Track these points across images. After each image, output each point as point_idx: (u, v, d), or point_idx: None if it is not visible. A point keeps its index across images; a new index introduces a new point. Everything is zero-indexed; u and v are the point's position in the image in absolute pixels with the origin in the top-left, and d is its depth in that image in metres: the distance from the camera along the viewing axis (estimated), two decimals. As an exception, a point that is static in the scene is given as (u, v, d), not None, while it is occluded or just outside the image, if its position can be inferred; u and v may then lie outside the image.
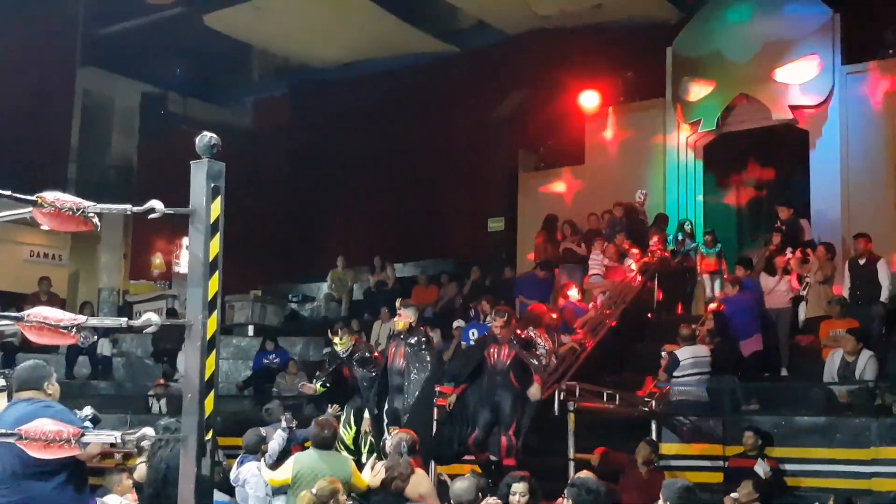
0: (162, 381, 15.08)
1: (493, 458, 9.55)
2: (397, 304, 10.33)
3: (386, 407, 9.75)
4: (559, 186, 18.39)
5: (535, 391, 9.37)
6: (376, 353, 10.62)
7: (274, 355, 16.09)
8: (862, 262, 12.45)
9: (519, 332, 10.11)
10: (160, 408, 13.79)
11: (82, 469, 4.97)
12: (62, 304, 17.07)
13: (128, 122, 21.17)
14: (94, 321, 4.41)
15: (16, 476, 4.77)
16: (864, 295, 12.26)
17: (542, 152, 19.15)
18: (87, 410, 5.24)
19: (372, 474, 8.07)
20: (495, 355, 9.66)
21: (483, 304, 14.47)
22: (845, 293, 12.40)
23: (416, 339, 9.74)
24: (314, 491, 6.76)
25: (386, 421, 9.53)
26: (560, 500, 6.51)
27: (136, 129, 21.11)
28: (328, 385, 10.60)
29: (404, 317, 9.83)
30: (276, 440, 8.86)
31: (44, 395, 5.02)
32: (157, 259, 20.15)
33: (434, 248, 20.23)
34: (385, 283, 18.40)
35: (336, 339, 10.25)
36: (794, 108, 15.76)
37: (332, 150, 21.23)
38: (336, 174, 21.29)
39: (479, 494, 6.74)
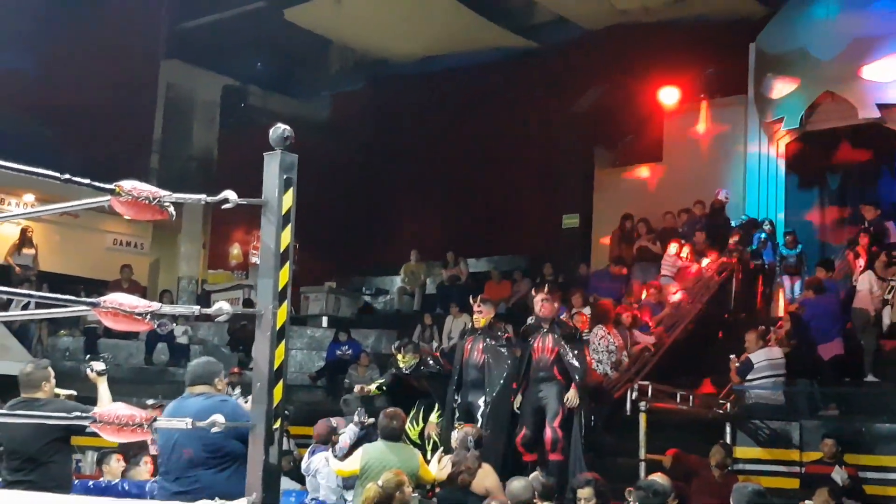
0: (236, 370, 15.27)
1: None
2: (473, 301, 10.19)
3: (458, 401, 9.69)
4: (636, 184, 18.18)
5: (572, 396, 9.11)
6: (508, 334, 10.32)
7: (347, 346, 16.19)
8: None
9: (566, 319, 9.88)
10: (237, 395, 13.95)
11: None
12: (143, 292, 17.43)
13: (209, 114, 21.48)
14: (167, 308, 4.46)
15: (192, 465, 5.08)
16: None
17: (619, 149, 18.99)
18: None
19: (439, 468, 8.06)
20: (540, 350, 9.44)
21: (576, 297, 14.16)
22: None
23: (495, 334, 9.69)
24: (380, 483, 6.77)
25: (457, 415, 9.46)
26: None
27: (217, 122, 21.41)
28: (384, 388, 10.44)
29: (485, 313, 9.76)
30: (348, 434, 8.87)
31: (214, 390, 5.34)
32: (235, 249, 20.46)
33: (507, 244, 20.17)
34: (458, 277, 18.38)
35: (399, 357, 10.07)
36: (881, 106, 15.34)
37: (407, 145, 21.30)
38: (411, 168, 21.36)
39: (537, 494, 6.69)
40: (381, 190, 21.74)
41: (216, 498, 4.91)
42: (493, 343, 9.58)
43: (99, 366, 6.42)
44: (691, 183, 16.76)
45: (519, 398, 9.49)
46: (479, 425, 9.01)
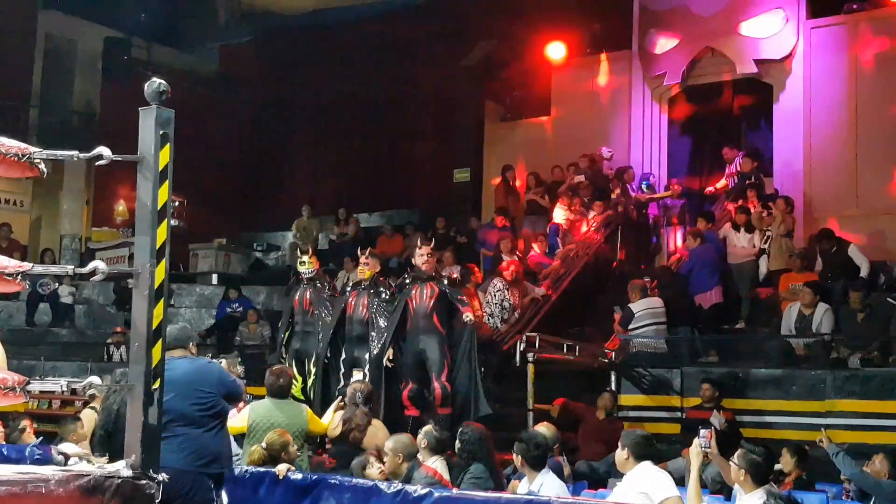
0: (120, 329, 14.92)
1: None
2: (361, 252, 10.17)
3: (343, 356, 9.66)
4: (525, 138, 18.31)
5: (468, 315, 8.96)
6: (334, 283, 10.46)
7: (237, 304, 16.02)
8: (833, 250, 12.42)
9: (452, 274, 9.85)
10: (120, 356, 13.65)
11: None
12: (23, 251, 16.86)
13: (91, 67, 20.69)
14: (39, 268, 4.30)
15: (183, 425, 5.31)
16: (839, 278, 12.17)
17: (508, 103, 19.04)
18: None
19: (331, 426, 8.05)
20: (417, 298, 9.23)
21: (447, 256, 14.33)
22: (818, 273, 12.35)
23: (379, 290, 9.66)
24: (264, 444, 6.74)
25: (343, 370, 9.44)
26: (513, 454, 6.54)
27: (100, 75, 20.65)
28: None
29: (371, 265, 9.74)
30: None
31: (190, 353, 5.76)
32: (121, 206, 19.88)
33: (400, 199, 20.15)
34: (346, 234, 18.30)
35: (305, 258, 10.11)
36: (758, 62, 15.73)
37: (298, 99, 21.00)
38: (302, 122, 21.10)
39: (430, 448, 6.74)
40: (272, 144, 21.43)
41: (208, 452, 5.35)
42: (378, 299, 9.56)
43: None
44: (579, 137, 16.97)
45: (390, 351, 9.31)
46: (365, 380, 9.04)
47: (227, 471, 5.78)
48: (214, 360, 6.22)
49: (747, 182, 14.39)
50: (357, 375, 8.82)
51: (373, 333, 9.47)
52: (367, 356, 9.46)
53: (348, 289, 10.12)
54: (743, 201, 13.83)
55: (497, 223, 15.35)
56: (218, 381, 5.64)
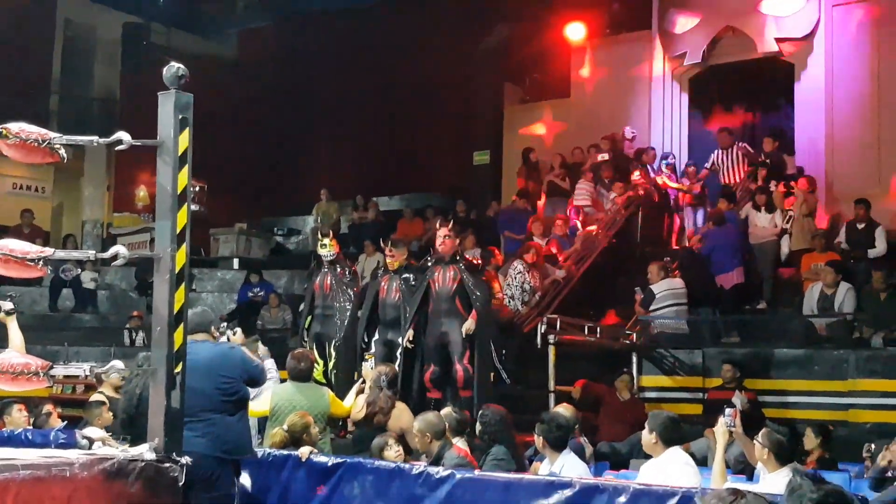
0: (137, 313, 14.97)
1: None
2: (384, 244, 10.11)
3: (376, 337, 9.68)
4: (544, 120, 18.24)
5: (469, 325, 8.87)
6: (354, 267, 10.41)
7: (259, 288, 16.04)
8: (861, 227, 12.30)
9: (469, 257, 9.65)
10: (142, 340, 13.71)
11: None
12: (45, 237, 16.96)
13: (110, 53, 20.73)
14: (61, 254, 4.34)
15: (206, 409, 5.36)
16: (858, 255, 12.13)
17: (527, 85, 18.97)
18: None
19: (354, 409, 8.07)
20: (440, 280, 9.13)
21: (468, 239, 14.28)
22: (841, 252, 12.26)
23: (409, 275, 9.65)
24: (285, 427, 6.76)
25: (374, 352, 9.43)
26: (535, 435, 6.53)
27: (119, 61, 20.69)
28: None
29: (397, 256, 9.68)
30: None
31: (211, 337, 5.83)
32: (142, 192, 19.94)
33: (420, 182, 20.11)
34: (366, 218, 18.29)
35: (326, 241, 10.07)
36: (779, 40, 15.58)
37: (317, 83, 20.96)
38: (321, 107, 21.04)
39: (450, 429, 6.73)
40: (292, 129, 21.39)
41: (231, 437, 5.47)
42: (408, 282, 9.55)
43: (7, 305, 6.21)
44: (599, 119, 16.87)
45: (410, 333, 9.23)
46: (397, 364, 9.04)
47: (248, 456, 5.81)
48: (237, 346, 6.23)
49: (759, 161, 14.30)
50: (367, 364, 8.75)
51: (404, 317, 9.48)
52: (399, 339, 9.45)
53: (380, 272, 10.07)
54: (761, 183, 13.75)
55: (518, 205, 15.30)
56: (241, 366, 5.66)
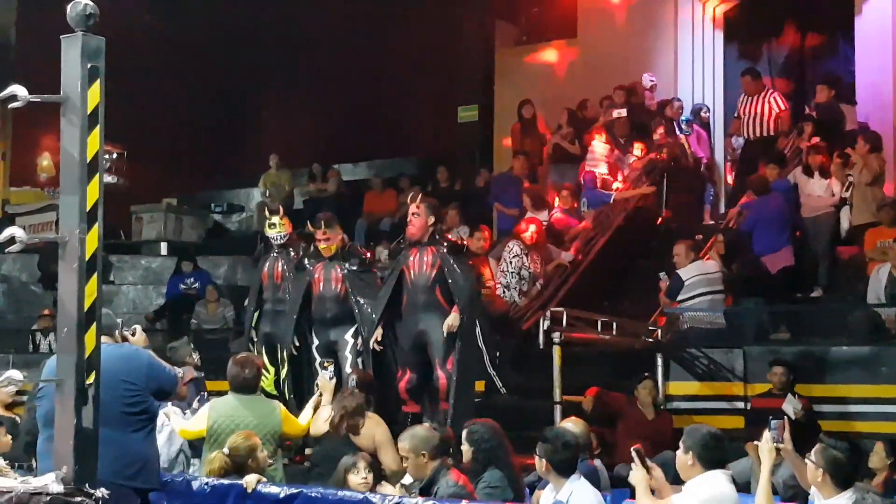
0: (48, 312, 14.91)
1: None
2: (313, 227, 9.84)
3: (316, 342, 9.63)
4: (545, 67, 18.23)
5: (451, 320, 8.75)
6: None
7: (193, 279, 16.06)
8: None
9: (449, 236, 9.52)
10: (49, 345, 13.67)
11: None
12: (-74, 218, 16.90)
13: (3, -13, 20.65)
14: (-61, 239, 4.29)
15: (102, 426, 5.03)
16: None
17: (524, 23, 18.93)
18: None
19: (314, 424, 8.07)
20: (415, 266, 9.00)
21: (451, 215, 14.21)
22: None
23: (351, 259, 9.58)
24: (226, 450, 6.73)
25: (318, 359, 9.40)
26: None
27: (15, -3, 20.57)
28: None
29: (332, 239, 9.51)
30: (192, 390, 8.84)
31: (113, 341, 5.74)
32: (45, 160, 19.87)
33: (391, 146, 20.13)
34: (325, 190, 18.30)
35: (276, 220, 9.99)
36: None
37: (265, 27, 20.82)
38: (270, 56, 20.98)
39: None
40: (235, 81, 21.36)
41: (134, 460, 5.47)
42: (353, 269, 9.48)
43: None
44: (613, 64, 16.87)
45: (379, 331, 9.17)
46: (357, 366, 9.05)
47: (156, 486, 5.77)
48: (142, 349, 6.17)
49: (805, 115, 14.33)
50: (324, 373, 8.72)
51: (356, 311, 9.43)
52: (348, 335, 9.43)
53: (307, 262, 9.84)
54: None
55: (515, 171, 15.29)
56: (147, 373, 5.66)
